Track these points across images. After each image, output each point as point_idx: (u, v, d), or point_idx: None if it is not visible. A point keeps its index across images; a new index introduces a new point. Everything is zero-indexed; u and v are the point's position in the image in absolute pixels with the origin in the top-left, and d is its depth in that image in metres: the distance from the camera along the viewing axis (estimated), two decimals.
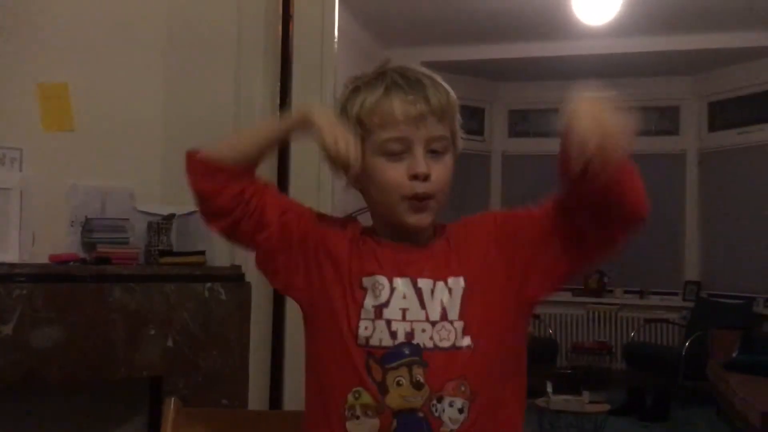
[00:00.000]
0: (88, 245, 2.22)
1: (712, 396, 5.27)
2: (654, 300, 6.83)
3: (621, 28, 5.18)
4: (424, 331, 1.05)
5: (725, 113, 6.63)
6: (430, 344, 1.04)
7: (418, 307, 1.06)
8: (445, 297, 1.07)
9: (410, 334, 1.05)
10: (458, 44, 6.00)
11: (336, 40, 2.42)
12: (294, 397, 2.21)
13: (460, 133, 1.14)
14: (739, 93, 6.44)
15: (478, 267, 1.09)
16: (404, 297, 1.07)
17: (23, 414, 2.17)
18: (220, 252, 2.30)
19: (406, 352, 1.04)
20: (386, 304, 1.06)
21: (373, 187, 1.11)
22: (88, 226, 2.24)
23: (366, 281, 1.08)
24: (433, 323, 1.05)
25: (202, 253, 2.27)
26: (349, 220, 1.17)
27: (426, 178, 1.07)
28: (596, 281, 6.96)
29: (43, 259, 2.11)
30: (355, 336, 1.06)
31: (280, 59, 2.32)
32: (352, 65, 4.33)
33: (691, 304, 6.53)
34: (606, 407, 4.67)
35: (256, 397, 2.23)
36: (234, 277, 2.24)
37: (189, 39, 2.42)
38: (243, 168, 1.13)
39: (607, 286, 6.95)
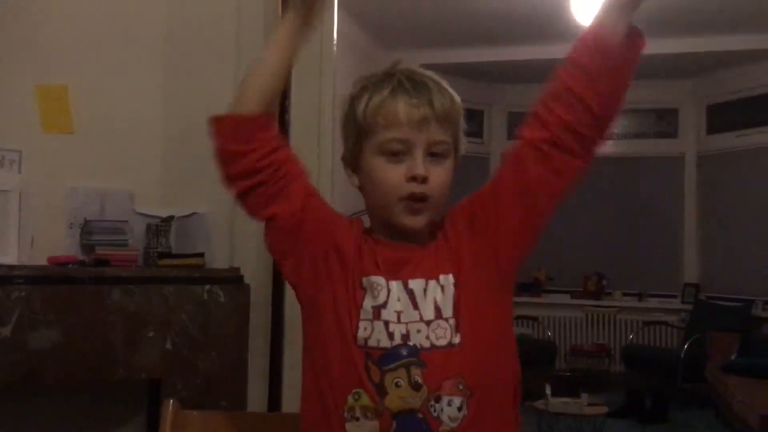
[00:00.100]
0: (87, 247, 2.22)
1: (710, 398, 5.27)
2: (653, 302, 6.84)
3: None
4: (419, 331, 1.06)
5: (724, 116, 6.64)
6: (426, 344, 1.05)
7: (411, 308, 1.07)
8: (438, 295, 1.08)
9: (406, 336, 1.05)
10: (457, 46, 6.01)
11: (335, 42, 2.42)
12: (293, 399, 2.21)
13: (464, 139, 1.15)
14: (738, 96, 6.45)
15: (464, 261, 1.10)
16: (398, 300, 1.07)
17: (22, 415, 2.17)
18: (219, 254, 2.30)
19: (404, 353, 1.04)
20: (384, 305, 1.07)
21: (371, 187, 1.12)
22: (87, 228, 2.24)
23: (365, 281, 1.09)
24: (428, 322, 1.06)
25: (201, 255, 2.27)
26: (354, 219, 1.17)
27: (423, 180, 1.08)
28: (595, 284, 6.96)
29: (42, 261, 2.11)
30: (355, 336, 1.06)
31: None
32: (351, 67, 4.35)
33: (689, 307, 6.53)
34: (605, 410, 4.68)
35: (255, 399, 2.23)
36: (233, 280, 2.24)
37: (188, 41, 2.42)
38: (266, 106, 1.12)
39: (606, 288, 6.96)
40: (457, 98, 1.14)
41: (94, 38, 2.34)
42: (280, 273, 2.24)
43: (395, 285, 1.08)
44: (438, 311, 1.07)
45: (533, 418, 4.53)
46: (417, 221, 1.10)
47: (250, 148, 1.11)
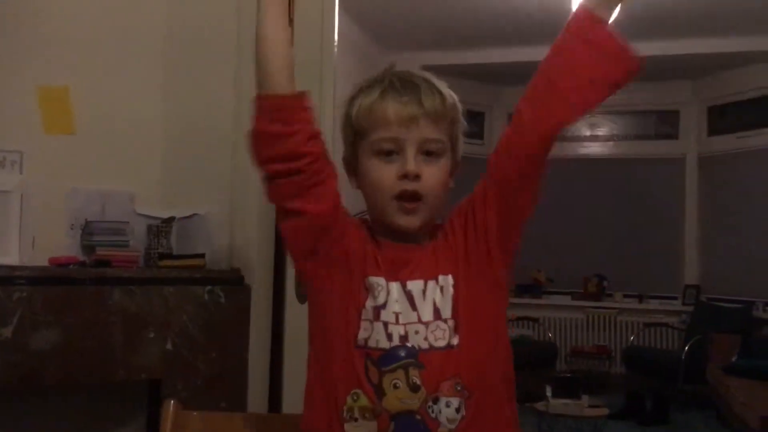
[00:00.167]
0: (88, 248, 2.22)
1: (711, 400, 5.27)
2: (653, 304, 6.84)
3: (621, 32, 5.18)
4: (417, 332, 1.06)
5: (725, 117, 6.64)
6: (425, 345, 1.05)
7: (410, 309, 1.07)
8: (438, 296, 1.08)
9: (404, 337, 1.06)
10: (459, 48, 6.02)
11: (336, 43, 2.42)
12: (293, 400, 2.21)
13: (462, 138, 1.16)
14: (739, 97, 6.46)
15: (462, 262, 1.11)
16: (397, 301, 1.08)
17: (22, 416, 2.17)
18: (220, 255, 2.30)
19: (402, 354, 1.05)
20: (383, 306, 1.07)
21: (367, 188, 1.13)
22: (87, 229, 2.24)
23: (367, 282, 1.09)
24: (426, 323, 1.06)
25: (202, 256, 2.27)
26: (361, 219, 1.18)
27: (415, 177, 1.08)
28: (595, 285, 6.96)
29: (43, 262, 2.11)
30: (355, 337, 1.06)
31: None
32: (352, 69, 4.34)
33: (690, 308, 6.53)
34: (605, 411, 4.68)
35: (255, 400, 2.23)
36: (233, 281, 2.24)
37: (189, 42, 2.42)
38: (292, 78, 1.11)
39: (607, 290, 6.96)
40: (452, 98, 1.14)
41: (94, 39, 2.34)
42: (281, 274, 2.26)
43: (394, 286, 1.08)
44: (437, 312, 1.07)
45: (534, 419, 4.53)
46: (411, 221, 1.10)
47: (292, 130, 1.09)
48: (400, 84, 1.11)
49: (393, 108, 1.09)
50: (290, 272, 2.22)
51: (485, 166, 1.14)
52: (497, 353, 1.11)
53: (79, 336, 1.98)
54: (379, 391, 1.04)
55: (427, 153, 1.10)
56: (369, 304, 1.08)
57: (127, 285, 2.06)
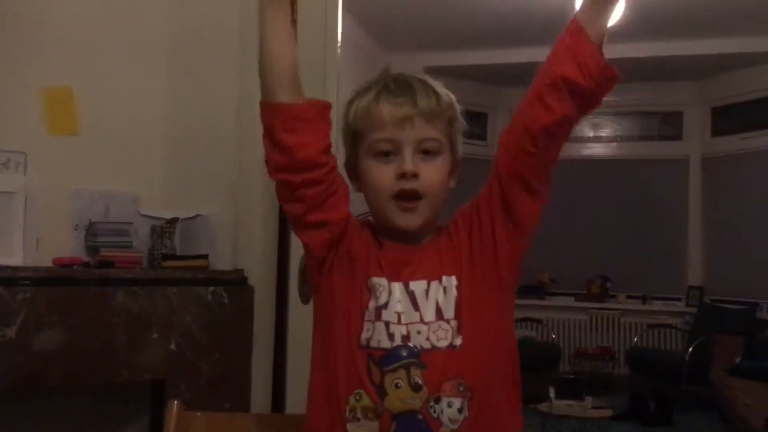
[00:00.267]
0: (92, 249, 2.22)
1: (715, 402, 5.26)
2: (657, 305, 6.83)
3: (624, 33, 5.18)
4: (419, 332, 1.06)
5: (728, 118, 6.63)
6: (427, 345, 1.05)
7: (412, 309, 1.08)
8: (441, 296, 1.08)
9: (406, 337, 1.06)
10: (461, 49, 6.02)
11: (339, 44, 2.42)
12: (296, 401, 2.21)
13: (460, 138, 1.16)
14: (743, 98, 6.45)
15: (467, 263, 1.11)
16: (399, 301, 1.08)
17: (26, 417, 2.17)
18: (223, 256, 2.31)
19: (404, 354, 1.05)
20: (385, 306, 1.08)
21: (367, 190, 1.14)
22: (91, 230, 2.24)
23: (369, 283, 1.10)
24: (429, 323, 1.07)
25: (206, 257, 2.28)
26: (365, 221, 1.18)
27: (413, 176, 1.09)
28: (599, 286, 6.96)
29: (47, 263, 2.11)
30: (358, 337, 1.07)
31: None
32: (355, 70, 4.33)
33: (694, 310, 6.52)
34: (609, 412, 4.67)
35: (259, 400, 2.23)
36: (237, 281, 2.24)
37: (192, 43, 2.42)
38: (298, 84, 1.10)
39: (610, 291, 6.95)
40: (448, 98, 1.15)
41: (98, 40, 2.34)
42: (284, 274, 2.26)
43: (397, 286, 1.09)
44: (439, 312, 1.07)
45: (537, 420, 4.52)
46: (411, 220, 1.11)
47: (306, 141, 1.08)
48: (395, 85, 1.12)
49: (388, 109, 1.10)
50: (293, 272, 2.23)
51: (489, 167, 1.15)
52: (501, 354, 1.11)
53: (83, 337, 1.98)
54: (381, 391, 1.04)
55: (425, 152, 1.11)
56: (371, 304, 1.08)
57: (130, 286, 2.07)
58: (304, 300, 2.11)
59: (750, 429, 4.15)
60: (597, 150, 7.13)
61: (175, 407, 1.31)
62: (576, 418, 4.54)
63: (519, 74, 6.44)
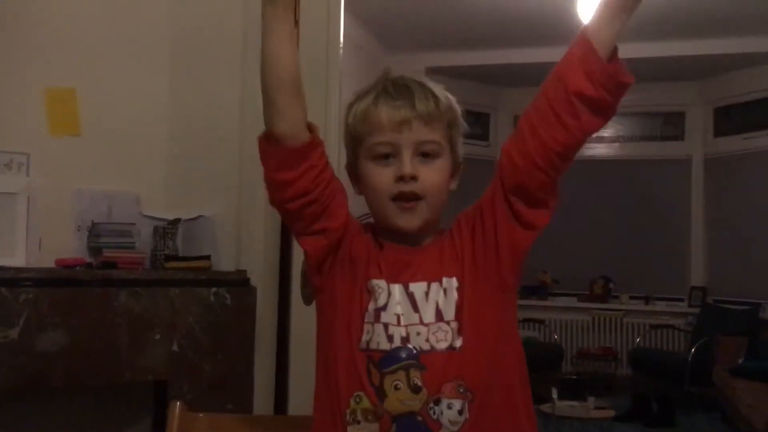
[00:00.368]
0: (95, 250, 2.23)
1: (717, 402, 5.25)
2: (660, 306, 6.82)
3: (626, 33, 5.18)
4: (419, 334, 1.06)
5: (731, 118, 6.63)
6: (426, 346, 1.05)
7: (411, 311, 1.08)
8: (441, 298, 1.08)
9: (406, 339, 1.06)
10: (463, 49, 6.01)
11: (341, 45, 2.42)
12: (299, 402, 2.21)
13: (461, 140, 1.16)
14: (745, 98, 6.44)
15: (468, 265, 1.11)
16: (398, 303, 1.08)
17: (28, 417, 2.17)
18: (226, 257, 2.31)
19: (403, 355, 1.05)
20: (384, 307, 1.08)
21: (367, 192, 1.14)
22: (94, 231, 2.24)
23: (369, 285, 1.10)
24: (428, 325, 1.07)
25: (208, 257, 2.28)
26: (368, 224, 1.19)
27: (412, 178, 1.09)
28: (601, 287, 6.95)
29: (50, 264, 2.11)
30: (359, 340, 1.07)
31: None
32: (357, 71, 4.33)
33: (696, 310, 6.51)
34: (611, 413, 4.67)
35: (261, 402, 2.23)
36: (239, 282, 2.24)
37: (194, 44, 2.42)
38: (300, 99, 1.10)
39: (613, 291, 6.94)
40: (447, 100, 1.15)
41: (100, 41, 2.35)
42: (286, 275, 2.26)
43: (396, 288, 1.09)
44: (439, 314, 1.07)
45: (539, 421, 4.48)
46: (411, 221, 1.11)
47: (299, 174, 1.09)
48: (394, 89, 1.13)
49: (386, 113, 1.11)
50: (296, 273, 2.22)
51: (490, 168, 1.14)
52: (503, 356, 1.10)
53: (86, 338, 1.98)
54: (381, 393, 1.04)
55: (424, 154, 1.11)
56: (371, 306, 1.08)
57: (133, 287, 2.07)
58: (307, 301, 2.11)
59: (752, 430, 4.14)
60: (599, 150, 7.13)
61: (177, 408, 1.31)
62: (579, 418, 4.54)
63: (520, 74, 6.50)
